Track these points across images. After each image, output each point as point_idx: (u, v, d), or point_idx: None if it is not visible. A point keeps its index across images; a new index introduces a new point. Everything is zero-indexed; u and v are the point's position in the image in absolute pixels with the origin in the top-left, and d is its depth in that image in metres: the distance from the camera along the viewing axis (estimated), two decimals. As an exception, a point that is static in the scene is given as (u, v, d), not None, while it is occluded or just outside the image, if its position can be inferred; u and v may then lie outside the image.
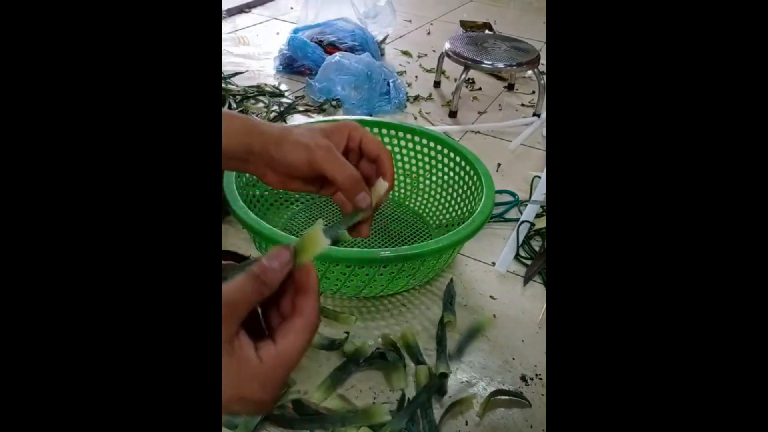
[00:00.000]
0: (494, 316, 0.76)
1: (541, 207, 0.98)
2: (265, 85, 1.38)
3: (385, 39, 1.67)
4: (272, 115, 1.23)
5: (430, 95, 1.42)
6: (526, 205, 0.98)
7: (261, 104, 1.28)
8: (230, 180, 0.72)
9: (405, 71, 1.56)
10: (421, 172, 0.93)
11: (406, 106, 1.34)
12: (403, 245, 0.85)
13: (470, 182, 0.83)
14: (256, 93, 1.32)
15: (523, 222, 0.93)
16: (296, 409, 0.61)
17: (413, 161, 0.93)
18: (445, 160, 0.89)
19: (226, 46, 1.62)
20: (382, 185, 0.43)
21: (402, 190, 0.97)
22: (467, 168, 0.84)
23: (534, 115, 1.35)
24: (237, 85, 1.35)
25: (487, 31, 1.81)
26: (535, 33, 1.91)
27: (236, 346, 0.29)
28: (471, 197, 0.82)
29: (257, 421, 0.58)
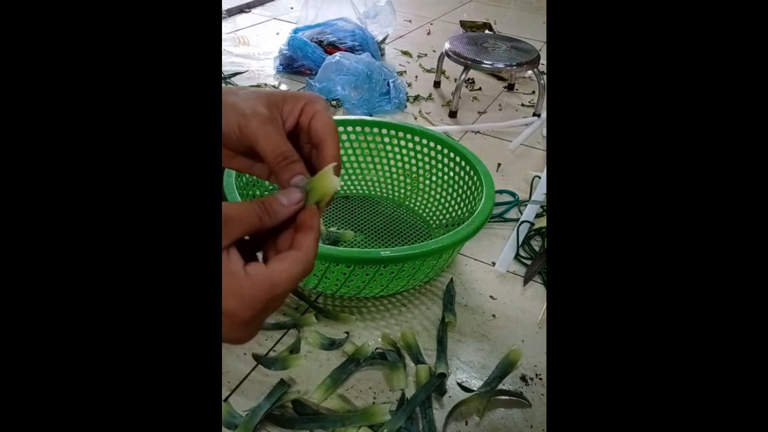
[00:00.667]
0: (494, 316, 0.76)
1: (541, 207, 0.98)
2: (265, 85, 1.38)
3: (385, 39, 1.67)
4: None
5: (430, 95, 1.42)
6: (526, 205, 0.98)
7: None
8: (230, 180, 0.72)
9: (405, 71, 1.56)
10: (421, 172, 0.93)
11: (406, 106, 1.34)
12: (403, 245, 0.85)
13: (470, 182, 0.83)
14: (256, 93, 1.32)
15: (523, 222, 0.93)
16: (296, 409, 0.61)
17: (413, 161, 0.93)
18: (445, 160, 0.89)
19: (226, 46, 1.62)
20: (327, 176, 0.34)
21: (402, 190, 0.97)
22: (467, 168, 0.84)
23: (534, 115, 1.35)
24: (237, 86, 1.35)
25: (487, 31, 1.81)
26: (535, 33, 1.91)
27: (224, 257, 0.28)
28: (471, 197, 0.82)
29: (258, 420, 0.58)
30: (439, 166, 0.90)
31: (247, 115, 0.34)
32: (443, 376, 0.65)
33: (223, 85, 0.37)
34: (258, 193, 0.85)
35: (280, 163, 0.34)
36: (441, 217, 0.90)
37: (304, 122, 0.36)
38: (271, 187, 0.89)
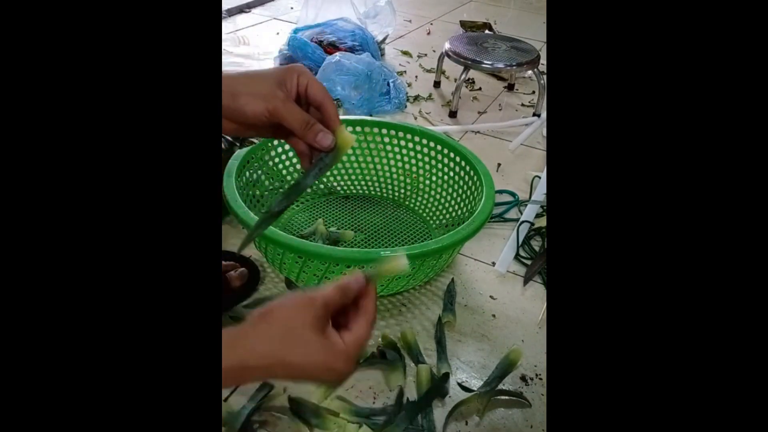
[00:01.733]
0: (494, 316, 0.76)
1: (541, 207, 0.98)
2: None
3: (385, 39, 1.67)
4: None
5: (430, 95, 1.42)
6: (526, 205, 0.98)
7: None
8: (230, 180, 0.72)
9: (405, 71, 1.56)
10: (421, 172, 0.93)
11: (406, 106, 1.34)
12: (403, 245, 0.85)
13: (470, 182, 0.83)
14: (256, 93, 1.32)
15: (523, 222, 0.93)
16: (293, 408, 0.60)
17: (413, 161, 0.93)
18: (445, 160, 0.89)
19: (226, 46, 1.62)
20: (345, 136, 0.46)
21: (402, 190, 0.97)
22: (467, 168, 0.84)
23: (534, 115, 1.35)
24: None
25: (487, 31, 1.81)
26: (535, 33, 1.91)
27: (329, 332, 0.39)
28: (471, 197, 0.82)
29: (240, 423, 0.58)
30: (439, 166, 0.90)
31: (271, 99, 0.44)
32: (447, 377, 0.65)
33: (237, 70, 0.46)
34: (258, 192, 0.85)
35: (305, 129, 0.45)
36: (441, 217, 0.90)
37: (302, 91, 0.46)
38: (271, 187, 0.89)
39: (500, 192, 1.01)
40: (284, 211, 0.48)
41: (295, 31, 1.52)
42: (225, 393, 0.62)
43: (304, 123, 0.45)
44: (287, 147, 0.88)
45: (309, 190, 0.95)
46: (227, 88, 0.43)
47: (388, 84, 1.31)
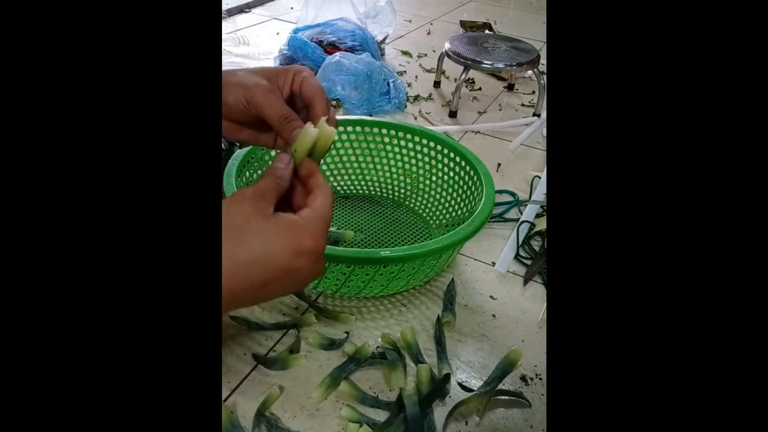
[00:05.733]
0: (494, 316, 0.76)
1: (541, 207, 0.98)
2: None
3: (385, 39, 1.67)
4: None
5: (430, 95, 1.42)
6: (526, 205, 0.98)
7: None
8: (230, 180, 0.72)
9: (405, 71, 1.56)
10: (421, 172, 0.93)
11: (406, 106, 1.34)
12: (403, 245, 0.85)
13: (470, 182, 0.83)
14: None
15: (523, 222, 0.93)
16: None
17: (413, 161, 0.93)
18: (445, 160, 0.89)
19: (226, 46, 1.62)
20: (308, 131, 0.41)
21: (402, 190, 0.97)
22: (467, 168, 0.84)
23: (534, 115, 1.35)
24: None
25: (487, 31, 1.81)
26: (535, 33, 1.91)
27: (279, 216, 0.35)
28: (471, 197, 0.82)
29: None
30: (439, 166, 0.90)
31: (251, 88, 0.41)
32: (448, 378, 0.65)
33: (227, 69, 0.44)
34: (258, 193, 0.85)
35: (282, 123, 0.41)
36: (441, 217, 0.90)
37: (296, 89, 0.44)
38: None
39: (500, 192, 1.01)
40: None
41: (295, 31, 1.52)
42: (225, 393, 0.62)
43: (282, 116, 0.42)
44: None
45: (309, 190, 0.95)
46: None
47: (388, 84, 1.31)
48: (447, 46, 1.33)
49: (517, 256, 0.87)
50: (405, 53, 1.69)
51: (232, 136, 0.45)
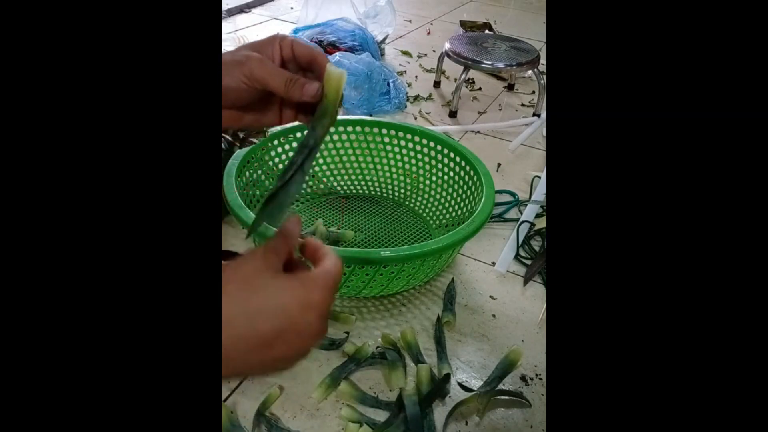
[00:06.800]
0: (494, 316, 0.76)
1: (541, 207, 0.98)
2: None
3: (385, 39, 1.67)
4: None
5: (430, 95, 1.42)
6: (526, 205, 0.98)
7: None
8: (230, 180, 0.72)
9: (405, 71, 1.56)
10: (421, 172, 0.93)
11: (406, 106, 1.34)
12: (403, 245, 0.85)
13: (470, 182, 0.83)
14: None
15: (523, 222, 0.93)
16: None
17: (413, 161, 0.93)
18: (445, 160, 0.89)
19: (226, 46, 1.62)
20: (330, 73, 0.41)
21: (402, 190, 0.97)
22: (467, 168, 0.84)
23: (534, 115, 1.35)
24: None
25: (487, 31, 1.81)
26: (535, 33, 1.91)
27: (289, 274, 0.35)
28: (471, 197, 0.82)
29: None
30: (439, 166, 0.90)
31: (245, 63, 0.40)
32: (448, 378, 0.65)
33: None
34: (258, 192, 0.85)
35: (290, 85, 0.41)
36: (441, 217, 0.90)
37: (287, 54, 0.43)
38: (271, 187, 0.89)
39: (500, 192, 1.01)
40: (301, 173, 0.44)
41: (295, 31, 1.52)
42: (225, 393, 0.62)
43: (288, 79, 0.41)
44: (287, 147, 0.88)
45: (309, 190, 0.95)
46: None
47: (388, 84, 1.31)
48: (447, 46, 1.33)
49: (517, 256, 0.87)
50: (405, 53, 1.69)
51: (234, 124, 0.44)
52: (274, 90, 0.41)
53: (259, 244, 0.71)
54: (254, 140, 0.89)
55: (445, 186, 0.90)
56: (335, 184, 0.97)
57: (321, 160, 0.95)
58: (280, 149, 0.88)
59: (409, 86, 1.46)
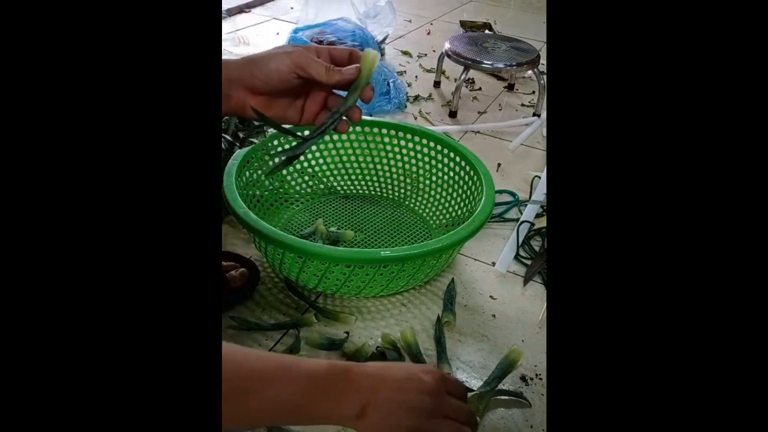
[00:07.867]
0: (494, 316, 0.76)
1: (541, 207, 0.98)
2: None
3: (385, 39, 1.66)
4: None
5: (430, 95, 1.42)
6: (526, 205, 0.98)
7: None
8: (230, 180, 0.72)
9: (405, 71, 1.56)
10: (421, 172, 0.93)
11: (406, 106, 1.34)
12: (403, 245, 0.85)
13: (470, 182, 0.83)
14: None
15: (523, 222, 0.93)
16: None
17: (413, 161, 0.93)
18: (445, 160, 0.89)
19: (226, 46, 1.62)
20: (368, 53, 0.51)
21: (402, 190, 0.97)
22: (467, 168, 0.84)
23: (534, 115, 1.35)
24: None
25: (487, 31, 1.81)
26: (535, 33, 1.91)
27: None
28: (471, 197, 0.82)
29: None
30: (439, 166, 0.90)
31: (292, 53, 0.50)
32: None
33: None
34: (258, 192, 0.85)
35: (329, 71, 0.50)
36: (441, 217, 0.90)
37: (325, 57, 0.52)
38: (271, 187, 0.89)
39: (500, 192, 1.01)
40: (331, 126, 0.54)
41: (295, 31, 1.52)
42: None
43: (327, 67, 0.50)
44: (287, 147, 0.88)
45: (309, 190, 0.95)
46: (249, 61, 0.51)
47: (388, 84, 1.31)
48: (447, 46, 1.33)
49: (517, 256, 0.87)
50: (405, 53, 1.69)
51: (266, 109, 0.52)
52: (315, 76, 0.50)
53: (260, 244, 0.72)
54: (254, 140, 0.89)
55: (445, 186, 0.90)
56: (335, 184, 0.97)
57: (321, 160, 0.95)
58: (280, 149, 0.88)
59: (409, 86, 1.46)
